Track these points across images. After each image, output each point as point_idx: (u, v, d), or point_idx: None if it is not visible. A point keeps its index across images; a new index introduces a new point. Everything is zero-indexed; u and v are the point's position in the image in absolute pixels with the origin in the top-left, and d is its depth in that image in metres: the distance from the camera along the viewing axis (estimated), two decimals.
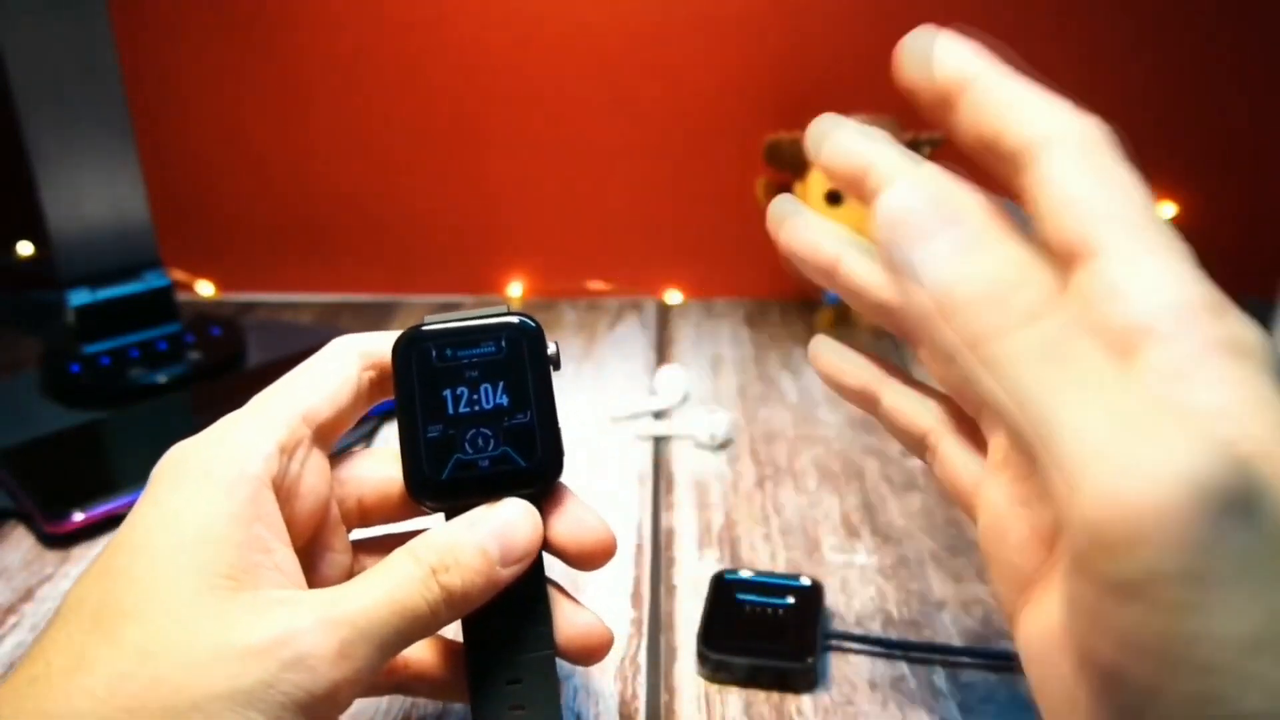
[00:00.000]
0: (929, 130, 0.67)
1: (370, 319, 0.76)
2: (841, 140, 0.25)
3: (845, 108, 0.76)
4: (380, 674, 0.29)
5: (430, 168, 0.77)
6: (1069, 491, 0.17)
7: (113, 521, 0.48)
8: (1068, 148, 0.21)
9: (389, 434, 0.56)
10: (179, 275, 0.79)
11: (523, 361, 0.28)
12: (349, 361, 0.29)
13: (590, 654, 0.30)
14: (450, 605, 0.25)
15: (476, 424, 0.28)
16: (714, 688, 0.38)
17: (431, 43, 0.73)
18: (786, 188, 0.72)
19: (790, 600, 0.40)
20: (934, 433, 0.27)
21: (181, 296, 0.69)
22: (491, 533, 0.26)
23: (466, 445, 0.28)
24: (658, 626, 0.41)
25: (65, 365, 0.60)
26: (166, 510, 0.25)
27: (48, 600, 0.43)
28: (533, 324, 0.29)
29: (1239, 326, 0.19)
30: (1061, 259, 0.20)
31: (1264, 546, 0.16)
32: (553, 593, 0.30)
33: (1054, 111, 0.21)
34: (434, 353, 0.28)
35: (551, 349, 0.29)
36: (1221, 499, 0.16)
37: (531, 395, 0.28)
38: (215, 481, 0.25)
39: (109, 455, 0.54)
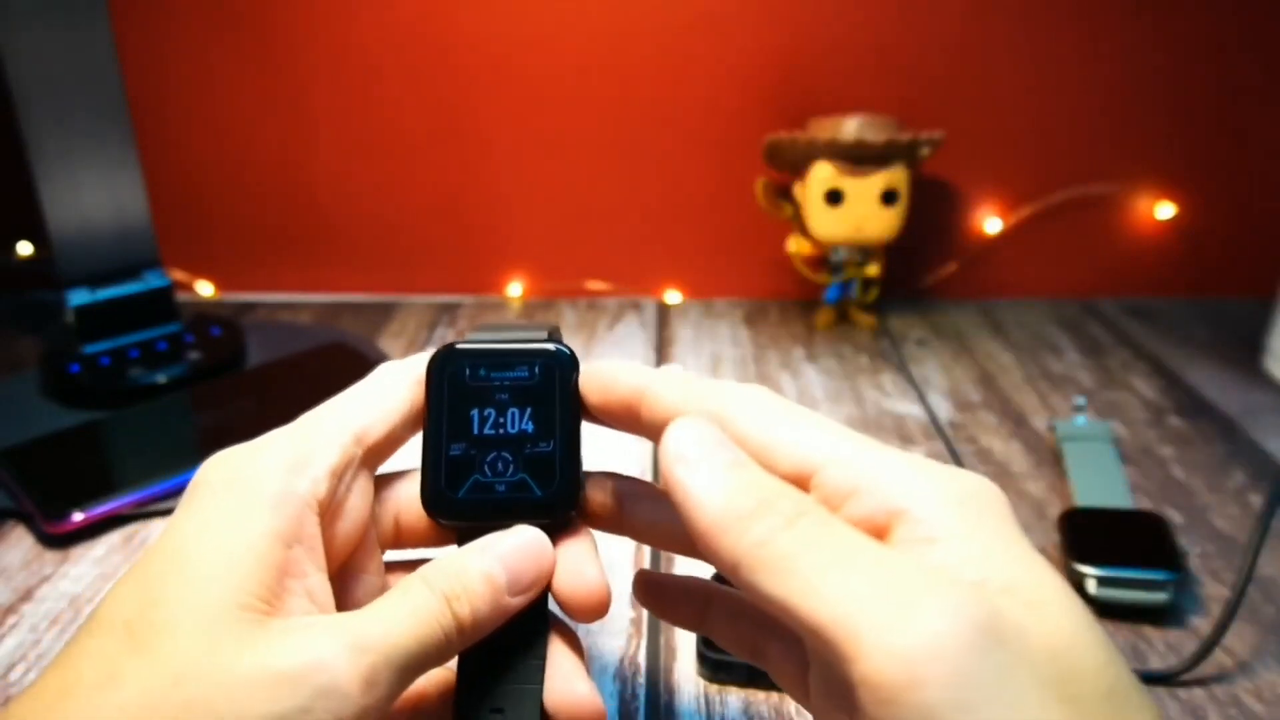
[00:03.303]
0: (928, 130, 0.67)
1: (370, 319, 0.76)
2: (616, 373, 0.27)
3: (845, 107, 0.76)
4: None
5: (430, 168, 0.77)
6: (852, 661, 0.19)
7: (112, 522, 0.48)
8: (755, 405, 0.25)
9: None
10: (179, 275, 0.79)
11: (554, 391, 0.28)
12: (404, 382, 0.29)
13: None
14: (461, 632, 0.25)
15: (499, 447, 0.28)
16: (714, 688, 0.38)
17: (431, 43, 0.73)
18: (786, 188, 0.72)
19: None
20: (762, 639, 0.29)
21: (181, 296, 0.69)
22: (499, 559, 0.26)
23: (486, 467, 0.28)
24: (657, 626, 0.41)
25: (65, 365, 0.60)
26: (207, 522, 0.24)
27: (48, 600, 0.43)
28: (568, 353, 0.29)
29: (968, 479, 0.23)
30: (792, 483, 0.23)
31: (1014, 665, 0.19)
32: (557, 648, 0.28)
33: (724, 384, 0.26)
34: (467, 371, 0.28)
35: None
36: (974, 630, 0.18)
37: (557, 426, 0.28)
38: (260, 498, 0.25)
39: (109, 455, 0.54)
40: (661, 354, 0.69)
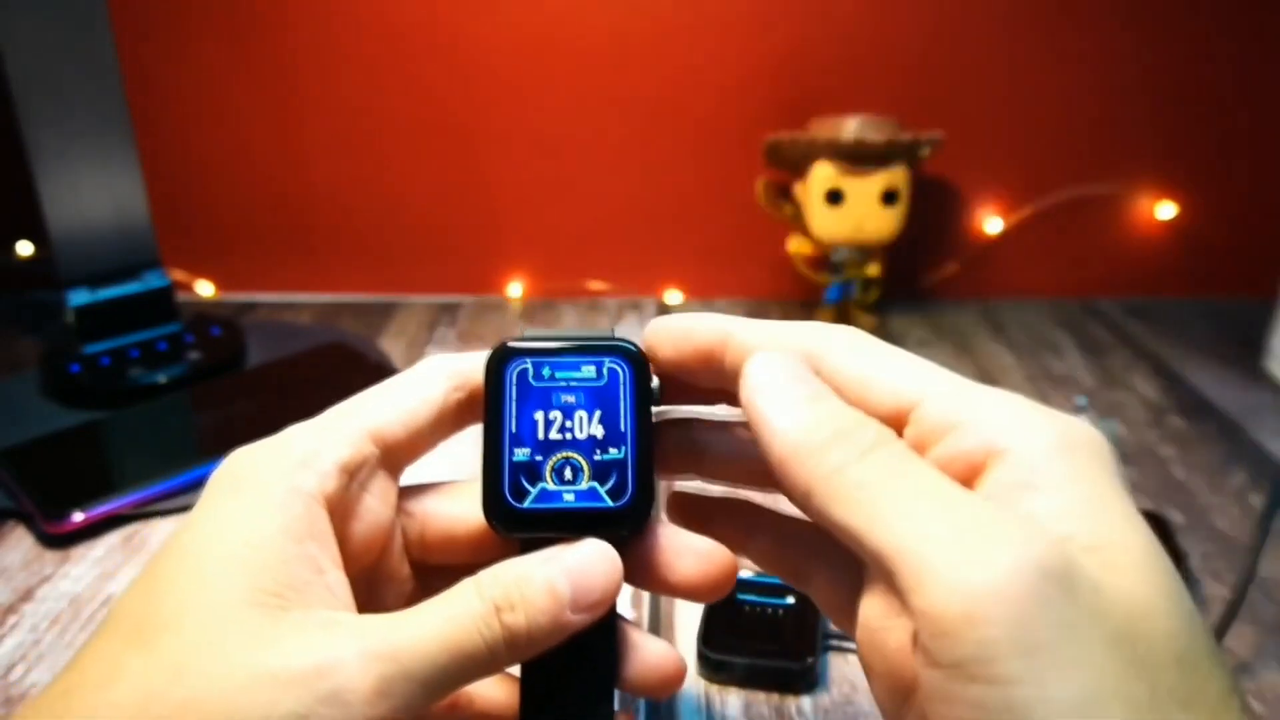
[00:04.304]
0: (928, 130, 0.67)
1: (370, 319, 0.76)
2: (694, 321, 0.27)
3: (845, 108, 0.76)
4: (439, 709, 0.27)
5: (430, 168, 0.77)
6: (913, 592, 0.19)
7: (112, 522, 0.48)
8: (848, 342, 0.25)
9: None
10: (179, 275, 0.79)
11: (624, 391, 0.27)
12: (434, 381, 0.27)
13: (665, 686, 0.28)
14: (512, 647, 0.23)
15: (567, 453, 0.26)
16: (714, 688, 0.38)
17: (431, 43, 0.73)
18: (786, 188, 0.72)
19: (790, 600, 0.40)
20: (809, 562, 0.28)
21: (181, 296, 0.69)
22: (565, 572, 0.24)
23: (553, 475, 0.26)
24: (658, 627, 0.41)
25: (65, 365, 0.60)
26: (218, 519, 0.24)
27: (48, 600, 0.43)
28: (638, 351, 0.27)
29: (1075, 426, 0.22)
30: (888, 419, 0.23)
31: (1081, 618, 0.18)
32: (622, 628, 0.27)
33: (813, 324, 0.26)
34: (530, 370, 0.26)
35: (655, 382, 0.27)
36: (1042, 576, 0.18)
37: (629, 430, 0.26)
38: (269, 494, 0.24)
39: (109, 455, 0.54)
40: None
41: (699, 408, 0.29)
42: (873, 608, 0.24)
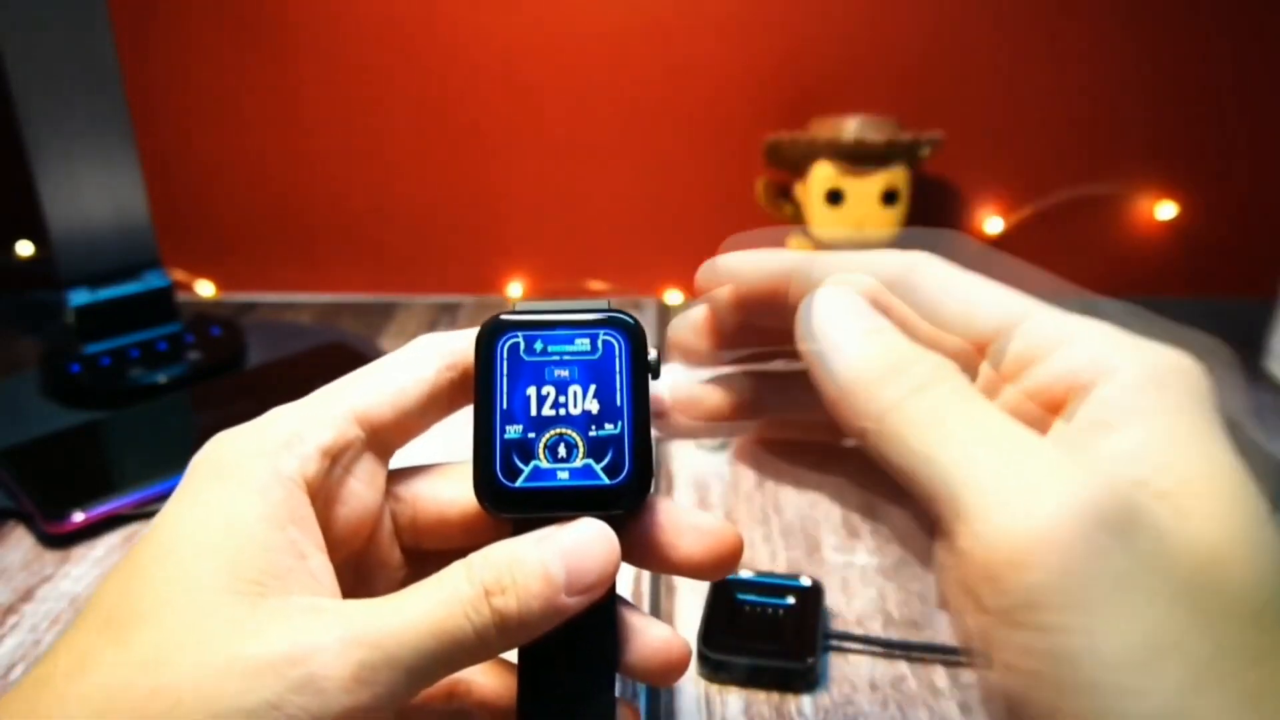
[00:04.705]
0: (929, 130, 0.67)
1: (370, 319, 0.76)
2: (767, 254, 0.26)
3: (845, 108, 0.76)
4: (435, 696, 0.27)
5: (430, 168, 0.77)
6: (958, 534, 0.19)
7: (112, 522, 0.48)
8: (932, 268, 0.24)
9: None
10: (179, 275, 0.79)
11: (619, 365, 0.26)
12: (425, 361, 0.26)
13: (669, 672, 0.27)
14: (503, 632, 0.22)
15: (561, 430, 0.25)
16: (714, 688, 0.38)
17: (431, 43, 0.73)
18: (786, 188, 0.72)
19: (790, 600, 0.40)
20: (881, 501, 0.28)
21: (181, 296, 0.69)
22: (559, 553, 0.23)
23: (547, 453, 0.25)
24: None
25: (65, 365, 0.60)
26: (197, 506, 0.23)
27: (48, 600, 0.43)
28: (634, 323, 0.26)
29: (1169, 357, 0.21)
30: (975, 347, 0.23)
31: (1139, 568, 0.17)
32: (623, 613, 0.27)
33: (894, 252, 0.25)
34: (522, 343, 0.25)
35: (652, 355, 0.26)
36: (1096, 522, 0.17)
37: (625, 404, 0.25)
38: (248, 479, 0.23)
39: (109, 455, 0.54)
40: (662, 355, 0.69)
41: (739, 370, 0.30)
42: (945, 545, 0.23)
